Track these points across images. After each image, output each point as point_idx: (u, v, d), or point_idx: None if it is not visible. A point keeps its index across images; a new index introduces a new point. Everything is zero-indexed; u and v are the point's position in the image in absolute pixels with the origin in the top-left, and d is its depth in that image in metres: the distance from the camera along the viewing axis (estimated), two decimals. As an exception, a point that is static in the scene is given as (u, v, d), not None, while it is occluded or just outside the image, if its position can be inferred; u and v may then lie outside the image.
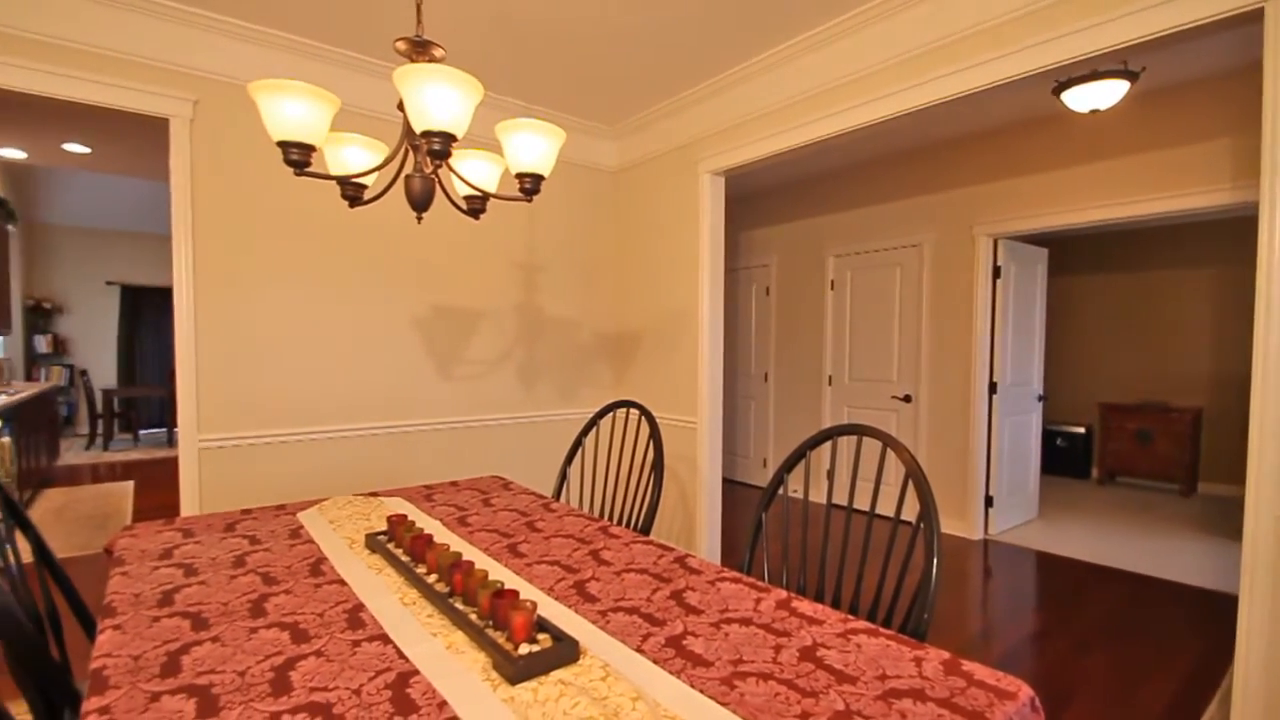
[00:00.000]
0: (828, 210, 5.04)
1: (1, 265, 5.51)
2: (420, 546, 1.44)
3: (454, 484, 2.32)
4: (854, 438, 4.89)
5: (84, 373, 7.74)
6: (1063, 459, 6.24)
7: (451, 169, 1.68)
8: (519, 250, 3.60)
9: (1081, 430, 6.14)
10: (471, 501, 2.09)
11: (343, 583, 1.39)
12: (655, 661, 1.07)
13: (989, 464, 4.26)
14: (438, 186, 2.00)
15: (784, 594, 1.34)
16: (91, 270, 8.06)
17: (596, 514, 3.49)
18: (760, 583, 1.40)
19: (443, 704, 0.93)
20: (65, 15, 2.32)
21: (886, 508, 4.63)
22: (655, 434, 2.22)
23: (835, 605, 1.44)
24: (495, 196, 1.67)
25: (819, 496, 5.11)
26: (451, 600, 1.24)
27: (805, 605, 1.28)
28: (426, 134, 1.31)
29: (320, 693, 0.96)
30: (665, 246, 3.62)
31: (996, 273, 4.17)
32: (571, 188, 3.81)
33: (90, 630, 1.42)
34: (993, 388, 4.22)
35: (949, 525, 4.34)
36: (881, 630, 1.17)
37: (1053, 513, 4.88)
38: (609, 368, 4.03)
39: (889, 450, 3.84)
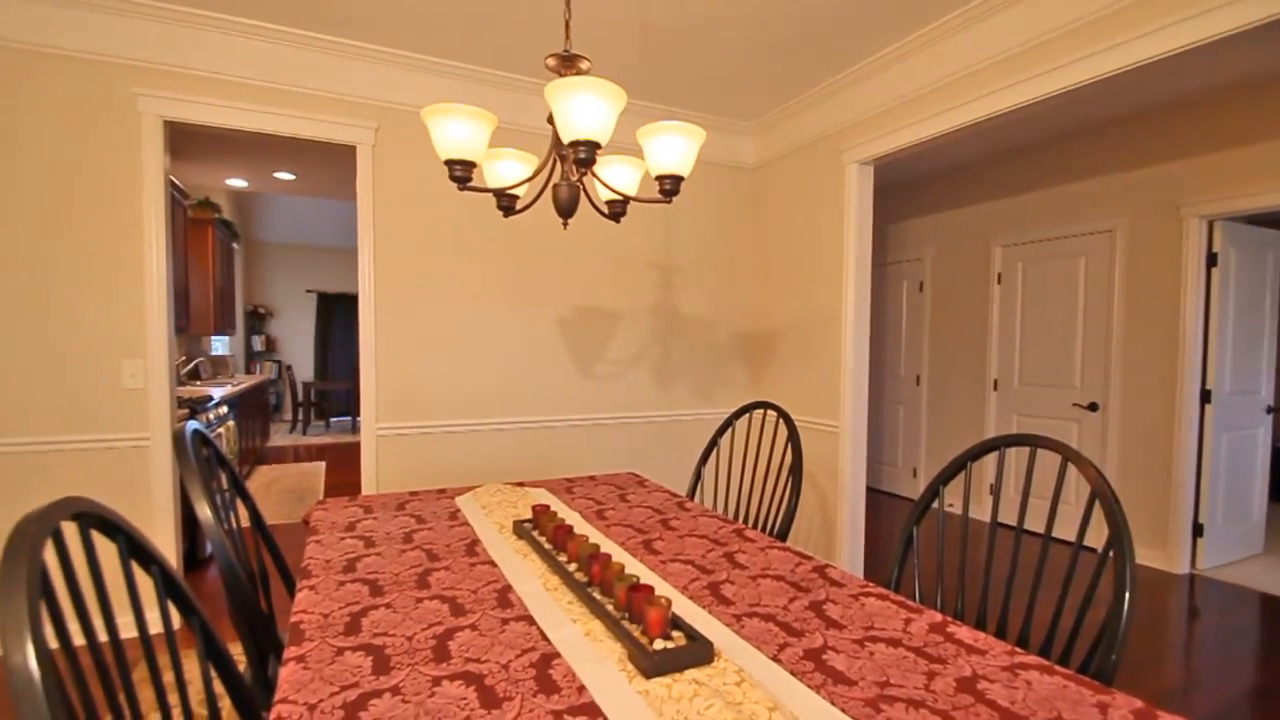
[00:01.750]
0: (994, 196, 4.58)
1: (228, 277, 6.60)
2: (561, 536, 1.50)
3: (592, 478, 2.41)
4: (1025, 450, 4.41)
5: (289, 368, 9.07)
6: (1301, 485, 5.15)
7: (595, 175, 1.74)
8: (656, 251, 3.66)
9: (1329, 451, 5.03)
10: (609, 496, 2.15)
11: (493, 564, 1.49)
12: (793, 673, 1.02)
13: (1199, 486, 3.63)
14: (582, 193, 2.09)
15: (938, 617, 1.23)
16: (295, 280, 9.41)
17: (731, 515, 3.45)
18: (911, 602, 1.30)
19: (581, 688, 0.97)
20: (276, 62, 2.73)
21: (1064, 531, 4.11)
22: (794, 437, 2.14)
23: (1000, 635, 1.30)
24: (636, 200, 1.71)
25: (980, 514, 4.66)
26: (590, 590, 1.28)
27: (964, 632, 1.17)
28: (574, 143, 1.36)
29: (474, 664, 1.04)
30: (807, 242, 3.49)
31: (1212, 260, 3.54)
32: (709, 187, 3.80)
33: (291, 588, 1.65)
34: (1206, 396, 3.59)
35: (1144, 556, 3.76)
36: (1057, 668, 1.03)
37: (1286, 549, 4.05)
38: (745, 368, 3.97)
39: (1069, 465, 3.42)
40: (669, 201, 1.60)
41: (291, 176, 5.39)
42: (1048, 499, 4.15)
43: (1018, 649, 1.10)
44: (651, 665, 1.00)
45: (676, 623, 1.12)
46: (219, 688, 2.16)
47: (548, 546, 1.54)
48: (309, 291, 9.48)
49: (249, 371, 8.61)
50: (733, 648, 1.10)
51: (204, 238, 5.33)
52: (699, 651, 1.04)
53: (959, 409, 4.85)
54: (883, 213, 5.46)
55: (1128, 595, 1.13)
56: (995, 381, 4.58)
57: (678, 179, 1.54)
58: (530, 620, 1.19)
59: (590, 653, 1.07)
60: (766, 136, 3.74)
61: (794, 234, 3.59)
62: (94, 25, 2.46)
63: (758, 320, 3.92)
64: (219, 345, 6.96)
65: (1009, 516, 4.44)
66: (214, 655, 1.07)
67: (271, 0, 2.44)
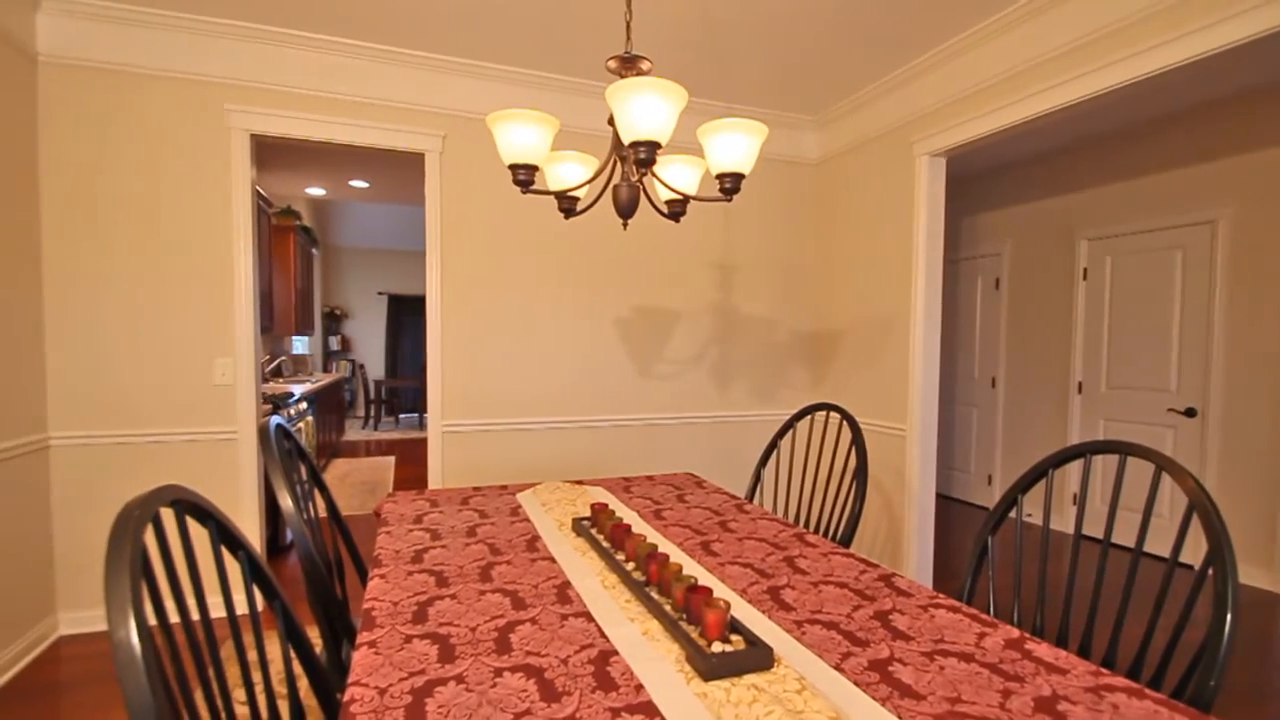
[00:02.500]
0: (1080, 186, 4.30)
1: (308, 280, 6.98)
2: (619, 535, 1.51)
3: (650, 478, 2.41)
4: (1114, 457, 4.13)
5: (361, 366, 9.50)
6: None
7: (655, 175, 1.74)
8: (716, 250, 3.63)
9: None
10: (666, 496, 2.15)
11: (553, 560, 1.51)
12: (857, 684, 0.99)
13: (1313, 501, 3.30)
14: (642, 193, 2.09)
15: (1015, 632, 1.16)
16: (367, 282, 9.86)
17: (791, 519, 3.38)
18: (985, 615, 1.24)
19: (639, 687, 0.97)
20: (350, 75, 2.87)
21: (1156, 546, 3.82)
22: (858, 440, 2.08)
23: (1083, 655, 1.22)
24: (696, 199, 1.70)
25: (1062, 525, 4.40)
26: (648, 589, 1.28)
27: (1043, 649, 1.10)
28: (634, 144, 1.36)
29: (534, 657, 1.05)
30: (874, 237, 3.38)
31: (1329, 254, 3.21)
32: (770, 183, 3.74)
33: (363, 576, 1.72)
34: (1321, 403, 3.26)
35: (1248, 574, 3.45)
36: (1148, 692, 0.96)
37: None
38: (807, 369, 3.88)
39: (1163, 475, 3.18)
40: (729, 200, 1.58)
41: (365, 184, 5.65)
42: (1137, 511, 3.87)
43: (1102, 669, 1.03)
44: (710, 668, 0.99)
45: (735, 626, 1.11)
46: (297, 668, 2.28)
47: (606, 545, 1.55)
48: (380, 293, 9.91)
49: (326, 370, 9.06)
50: (793, 654, 1.08)
51: (286, 243, 5.65)
52: (758, 656, 1.02)
53: (1039, 413, 4.59)
54: (955, 206, 5.23)
55: (1230, 616, 1.04)
56: (1080, 384, 4.31)
57: (739, 177, 1.52)
58: (589, 617, 1.21)
59: (648, 652, 1.07)
60: (831, 130, 3.65)
61: (860, 229, 3.48)
62: (191, 47, 2.65)
63: (820, 319, 3.83)
64: (299, 345, 7.37)
65: (1094, 529, 4.17)
66: (294, 637, 1.13)
67: (347, 17, 2.56)
